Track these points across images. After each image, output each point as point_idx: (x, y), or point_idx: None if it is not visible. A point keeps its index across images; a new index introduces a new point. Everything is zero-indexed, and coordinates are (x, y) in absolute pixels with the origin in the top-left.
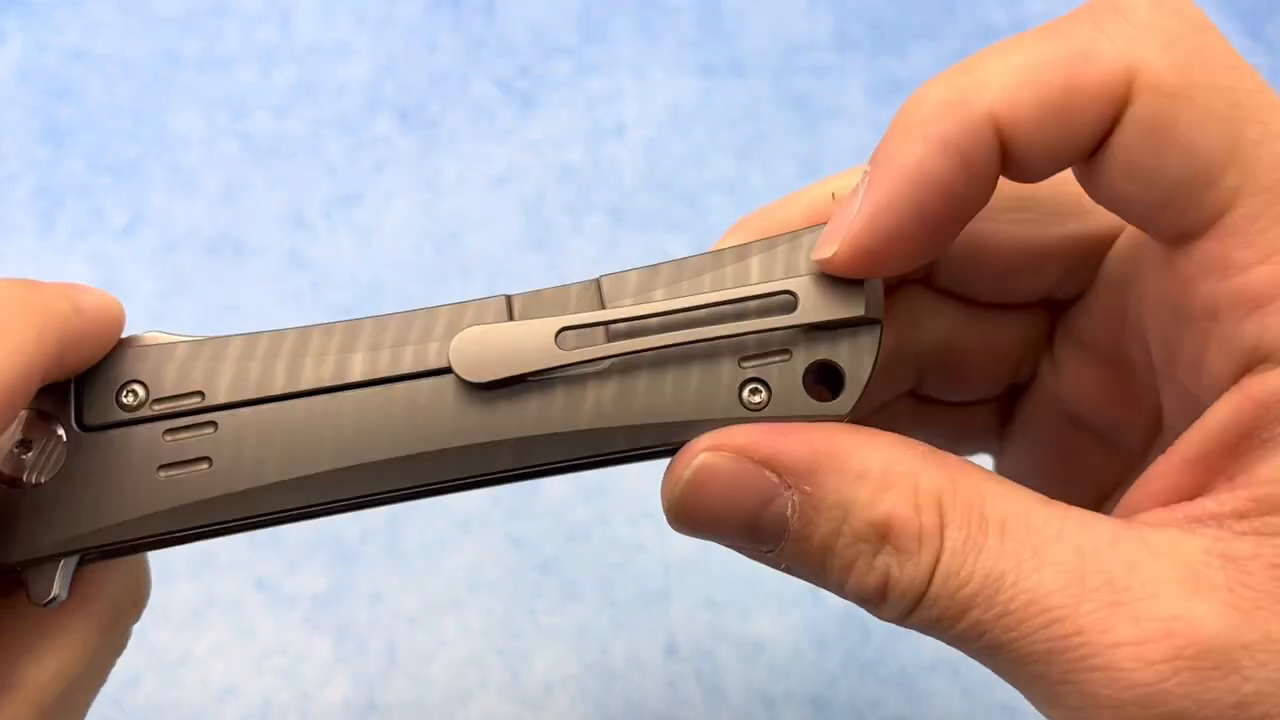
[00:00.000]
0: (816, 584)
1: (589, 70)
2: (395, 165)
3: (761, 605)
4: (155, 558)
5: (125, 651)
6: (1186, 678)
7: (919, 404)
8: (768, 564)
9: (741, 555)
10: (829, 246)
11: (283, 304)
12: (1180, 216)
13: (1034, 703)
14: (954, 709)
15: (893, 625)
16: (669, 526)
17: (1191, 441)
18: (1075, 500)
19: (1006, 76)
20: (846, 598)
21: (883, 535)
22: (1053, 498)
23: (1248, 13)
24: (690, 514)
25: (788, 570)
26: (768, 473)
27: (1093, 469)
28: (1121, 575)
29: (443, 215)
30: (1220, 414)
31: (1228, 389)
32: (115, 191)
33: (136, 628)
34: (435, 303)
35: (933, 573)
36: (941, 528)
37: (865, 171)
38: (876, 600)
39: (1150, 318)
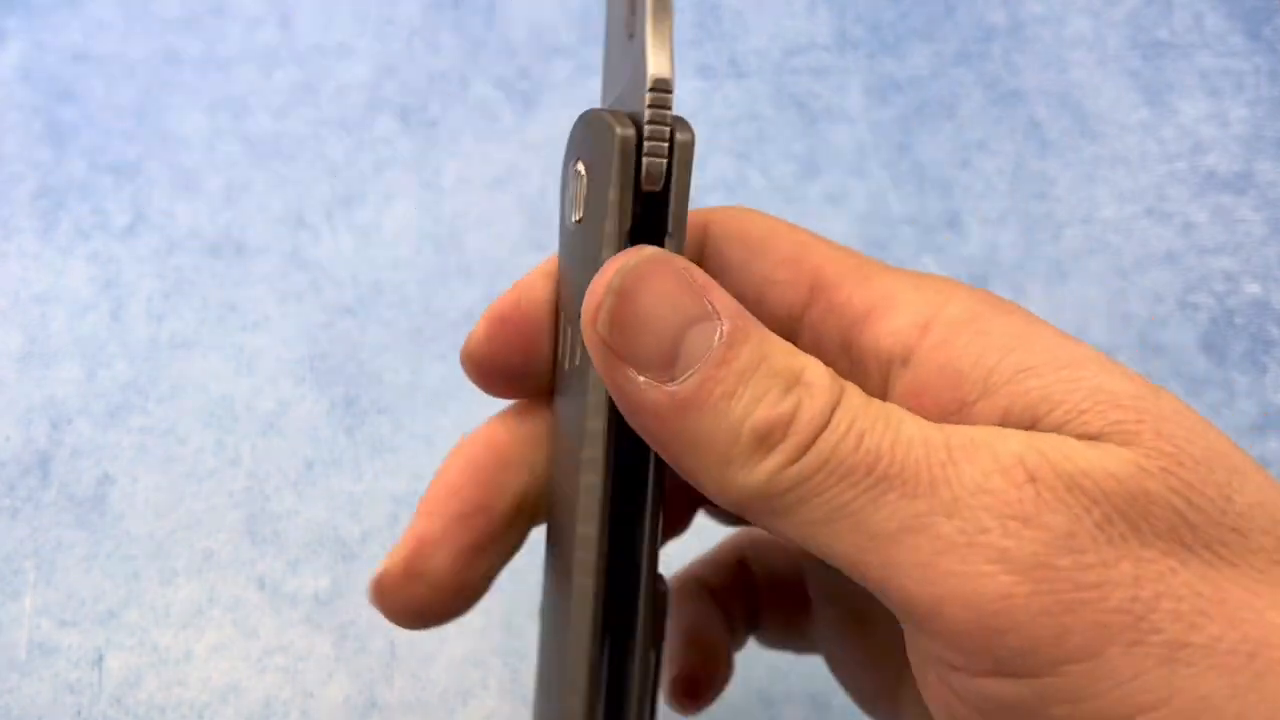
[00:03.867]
0: (694, 456)
1: (589, 70)
2: (396, 166)
3: None
4: (153, 558)
5: (126, 650)
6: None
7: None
8: (647, 423)
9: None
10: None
11: (283, 304)
12: None
13: (900, 586)
14: None
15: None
16: (583, 333)
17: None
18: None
19: None
20: (738, 450)
21: (797, 378)
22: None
23: (1248, 13)
24: (623, 303)
25: (664, 435)
26: (704, 298)
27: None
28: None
29: (443, 216)
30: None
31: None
32: (116, 192)
33: (137, 627)
34: (431, 303)
35: (834, 408)
36: (845, 387)
37: None
38: (779, 431)
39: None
